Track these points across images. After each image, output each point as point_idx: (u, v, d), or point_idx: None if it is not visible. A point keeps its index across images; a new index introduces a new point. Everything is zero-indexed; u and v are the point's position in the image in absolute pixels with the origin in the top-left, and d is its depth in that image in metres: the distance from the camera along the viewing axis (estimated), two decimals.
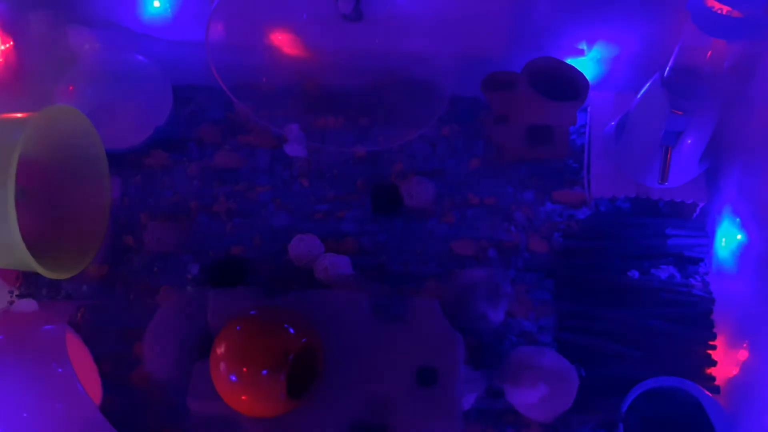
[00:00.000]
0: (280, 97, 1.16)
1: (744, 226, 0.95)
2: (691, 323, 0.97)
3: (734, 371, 0.92)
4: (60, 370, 0.85)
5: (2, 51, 1.06)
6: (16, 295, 1.04)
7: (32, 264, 0.90)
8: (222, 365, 0.80)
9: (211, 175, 1.11)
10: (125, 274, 1.04)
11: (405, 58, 1.11)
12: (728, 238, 0.98)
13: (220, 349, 0.80)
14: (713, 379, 0.94)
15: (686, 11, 0.87)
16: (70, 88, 1.11)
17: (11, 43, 1.07)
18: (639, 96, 0.99)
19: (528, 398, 0.89)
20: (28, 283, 1.05)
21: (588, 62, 1.11)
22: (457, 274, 0.98)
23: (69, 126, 1.00)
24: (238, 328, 0.81)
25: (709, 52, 0.88)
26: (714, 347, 0.96)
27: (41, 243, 0.98)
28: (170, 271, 1.04)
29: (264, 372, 0.78)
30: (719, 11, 0.83)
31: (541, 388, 0.88)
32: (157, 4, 1.14)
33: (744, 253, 0.94)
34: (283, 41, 1.13)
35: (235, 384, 0.79)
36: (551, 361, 0.90)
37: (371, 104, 1.14)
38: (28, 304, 0.92)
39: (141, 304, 1.02)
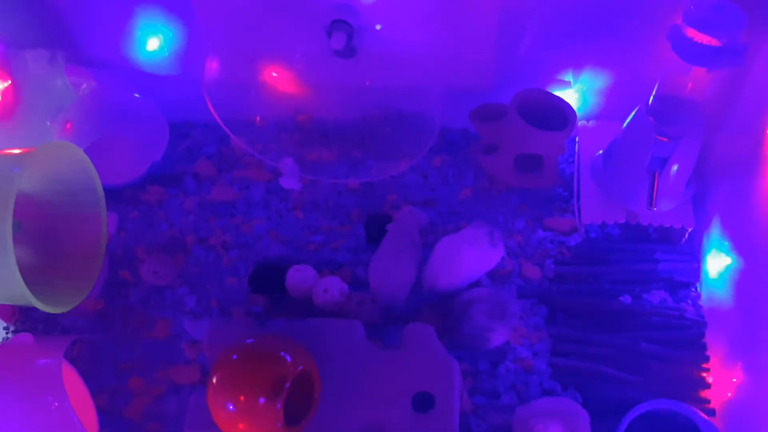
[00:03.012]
0: (275, 131, 1.18)
1: (733, 250, 0.96)
2: (684, 346, 0.98)
3: (729, 393, 0.93)
4: (56, 403, 0.85)
5: (1, 90, 1.08)
6: (12, 331, 1.04)
7: (29, 298, 0.90)
8: (219, 394, 0.80)
9: (207, 209, 1.13)
10: (122, 307, 1.05)
11: (396, 92, 1.14)
12: (718, 262, 0.99)
13: (217, 378, 0.81)
14: (708, 401, 0.95)
15: (667, 41, 0.90)
16: (68, 125, 1.12)
17: (10, 81, 1.09)
18: (625, 124, 1.01)
19: None
20: (24, 318, 1.05)
21: (574, 93, 1.14)
22: (461, 292, 0.99)
23: (67, 162, 1.02)
24: (234, 357, 0.82)
25: (691, 80, 0.91)
26: (707, 370, 0.97)
27: (38, 277, 0.98)
28: (167, 304, 1.05)
29: (261, 400, 0.79)
30: (699, 41, 0.86)
31: None
32: (154, 44, 1.16)
33: (734, 276, 0.96)
34: (277, 77, 1.15)
35: (232, 413, 0.79)
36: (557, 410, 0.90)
37: (364, 137, 1.16)
38: (25, 338, 0.92)
39: (137, 338, 1.02)
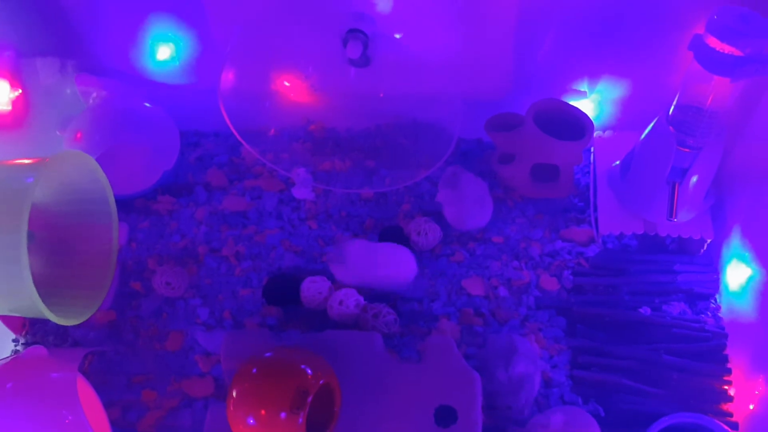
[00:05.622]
0: (287, 140, 1.17)
1: (754, 260, 0.96)
2: (705, 358, 0.97)
3: (751, 406, 0.92)
4: (71, 417, 0.83)
5: (12, 98, 1.06)
6: (22, 343, 1.02)
7: (42, 310, 0.89)
8: (239, 407, 0.78)
9: (219, 219, 1.12)
10: (133, 319, 1.03)
11: (411, 101, 1.13)
12: (738, 273, 0.98)
13: (237, 391, 0.79)
14: (730, 414, 0.94)
15: (687, 51, 0.89)
16: (78, 134, 1.11)
17: (20, 90, 1.08)
18: (644, 134, 1.01)
19: None
20: (34, 330, 1.03)
21: (590, 103, 1.13)
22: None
23: (79, 171, 1.00)
24: (254, 370, 0.80)
25: (713, 90, 0.90)
26: (729, 382, 0.96)
27: (49, 289, 0.97)
28: (179, 316, 1.03)
29: (282, 414, 0.77)
30: (721, 50, 0.86)
31: None
32: (164, 53, 1.15)
33: (755, 286, 0.95)
34: (290, 86, 1.14)
35: (252, 427, 0.78)
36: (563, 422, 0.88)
37: (378, 146, 1.15)
38: (38, 351, 0.90)
39: (150, 350, 1.01)
